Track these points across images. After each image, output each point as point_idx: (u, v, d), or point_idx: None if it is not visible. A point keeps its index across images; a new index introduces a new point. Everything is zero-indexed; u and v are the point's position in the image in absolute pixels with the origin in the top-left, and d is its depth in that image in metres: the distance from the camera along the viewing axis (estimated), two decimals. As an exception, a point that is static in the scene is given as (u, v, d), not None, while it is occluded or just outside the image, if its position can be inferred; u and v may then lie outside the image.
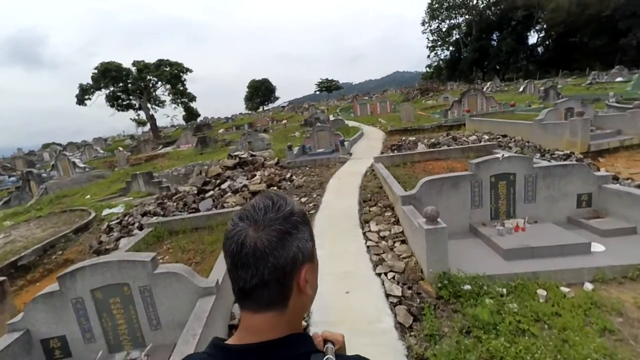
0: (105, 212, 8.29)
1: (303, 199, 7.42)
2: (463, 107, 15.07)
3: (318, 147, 12.47)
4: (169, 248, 5.24)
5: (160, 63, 29.30)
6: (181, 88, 31.15)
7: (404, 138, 12.31)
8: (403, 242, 4.44)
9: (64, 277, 2.81)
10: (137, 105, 30.36)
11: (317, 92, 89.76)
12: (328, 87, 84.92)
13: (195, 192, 8.75)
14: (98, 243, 6.98)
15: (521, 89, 23.77)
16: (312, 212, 6.29)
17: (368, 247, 4.43)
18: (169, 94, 30.97)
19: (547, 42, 56.73)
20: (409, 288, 3.47)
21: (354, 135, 13.71)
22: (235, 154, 11.22)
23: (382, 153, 11.02)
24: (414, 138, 11.99)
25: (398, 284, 3.51)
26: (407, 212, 4.20)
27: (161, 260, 4.49)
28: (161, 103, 31.48)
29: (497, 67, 56.56)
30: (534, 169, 4.63)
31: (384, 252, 4.23)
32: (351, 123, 19.26)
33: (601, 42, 48.05)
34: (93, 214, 8.01)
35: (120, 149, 21.15)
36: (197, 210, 7.65)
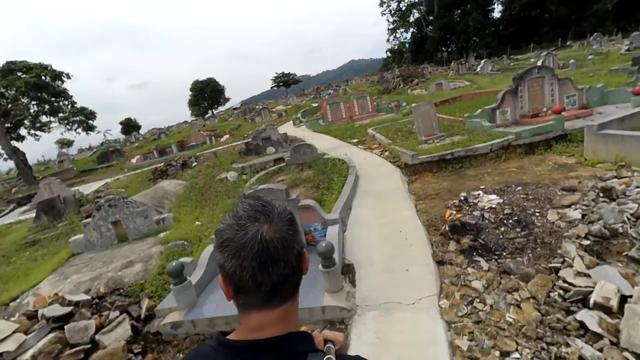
0: None
1: None
2: (523, 102, 8.33)
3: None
4: None
5: (12, 67, 18.31)
6: (57, 102, 20.14)
7: (463, 195, 5.18)
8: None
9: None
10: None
11: (274, 88, 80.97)
12: (285, 81, 76.55)
13: None
14: None
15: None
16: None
17: None
18: (43, 114, 19.99)
19: (510, 16, 53.84)
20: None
21: (342, 191, 6.30)
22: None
23: (440, 263, 3.82)
24: (487, 199, 4.89)
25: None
26: None
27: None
28: (44, 126, 21.24)
29: (466, 45, 51.81)
30: None
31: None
32: (322, 141, 11.86)
33: (566, 12, 46.56)
34: None
35: None
36: None
